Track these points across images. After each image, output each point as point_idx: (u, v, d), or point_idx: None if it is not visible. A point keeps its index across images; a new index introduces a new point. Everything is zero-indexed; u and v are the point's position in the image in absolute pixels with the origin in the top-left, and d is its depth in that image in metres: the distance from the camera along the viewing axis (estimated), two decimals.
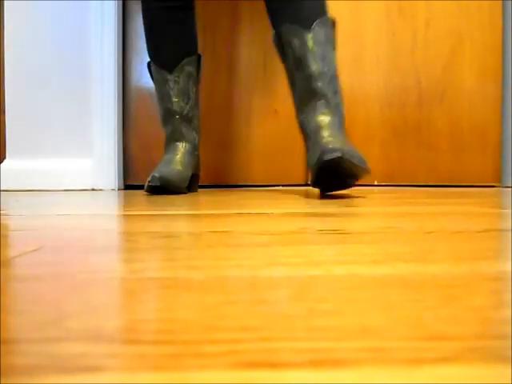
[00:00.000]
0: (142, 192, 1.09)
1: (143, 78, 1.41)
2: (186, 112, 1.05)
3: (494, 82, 1.45)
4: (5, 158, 1.33)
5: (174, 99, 1.04)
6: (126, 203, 0.74)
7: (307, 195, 0.89)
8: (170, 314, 0.14)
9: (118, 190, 1.33)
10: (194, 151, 1.08)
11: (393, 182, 1.45)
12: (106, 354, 0.11)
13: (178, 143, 1.05)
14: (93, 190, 1.31)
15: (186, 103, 1.05)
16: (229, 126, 1.40)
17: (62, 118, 1.32)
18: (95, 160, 1.32)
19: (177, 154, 1.04)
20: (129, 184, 1.38)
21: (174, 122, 1.05)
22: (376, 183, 1.44)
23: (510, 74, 1.45)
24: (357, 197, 0.84)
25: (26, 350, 0.11)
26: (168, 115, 1.05)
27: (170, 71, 1.04)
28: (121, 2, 1.38)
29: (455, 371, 0.10)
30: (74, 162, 1.32)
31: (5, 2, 1.30)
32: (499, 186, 1.44)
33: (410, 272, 0.20)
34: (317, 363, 0.10)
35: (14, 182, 1.30)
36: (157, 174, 0.94)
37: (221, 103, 1.39)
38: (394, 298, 0.16)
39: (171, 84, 1.04)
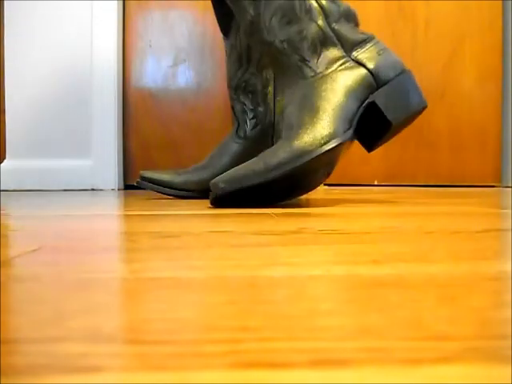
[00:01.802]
0: (142, 192, 1.10)
1: (143, 78, 1.42)
2: None
3: (494, 82, 1.45)
4: (5, 158, 1.33)
5: None
6: (126, 203, 0.74)
7: (307, 195, 0.89)
8: (170, 314, 0.14)
9: (118, 190, 1.33)
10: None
11: (393, 182, 1.45)
12: (106, 353, 0.11)
13: None
14: (93, 190, 1.31)
15: None
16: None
17: (61, 118, 1.32)
18: (95, 160, 1.32)
19: None
20: (129, 184, 1.38)
21: None
22: (376, 183, 1.44)
23: (509, 74, 1.45)
24: (357, 197, 0.84)
25: (26, 349, 0.11)
26: None
27: None
28: (121, 2, 1.38)
29: (455, 371, 0.10)
30: (74, 162, 1.32)
31: (5, 2, 1.30)
32: (499, 186, 1.44)
33: (410, 272, 0.20)
34: (317, 363, 0.10)
35: (14, 182, 1.30)
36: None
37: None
38: (394, 298, 0.16)
39: None
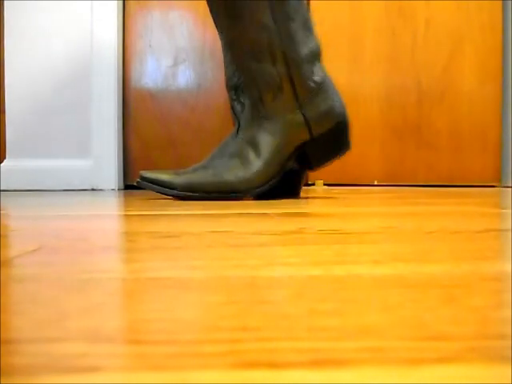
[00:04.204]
0: (142, 192, 1.10)
1: (143, 78, 1.42)
2: None
3: (494, 82, 1.45)
4: (5, 158, 1.33)
5: None
6: (126, 203, 0.74)
7: (307, 195, 0.89)
8: (171, 314, 0.14)
9: (118, 190, 1.33)
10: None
11: (393, 182, 1.45)
12: (106, 353, 0.11)
13: None
14: (93, 189, 1.31)
15: None
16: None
17: (61, 118, 1.32)
18: (95, 160, 1.32)
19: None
20: (129, 184, 1.38)
21: None
22: (376, 183, 1.44)
23: (509, 74, 1.45)
24: (356, 197, 0.84)
25: (26, 350, 0.11)
26: None
27: None
28: (121, 2, 1.38)
29: (455, 371, 0.10)
30: (74, 162, 1.32)
31: (5, 2, 1.30)
32: (499, 186, 1.44)
33: (410, 272, 0.20)
34: (317, 363, 0.10)
35: (14, 182, 1.30)
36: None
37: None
38: (394, 298, 0.16)
39: None
